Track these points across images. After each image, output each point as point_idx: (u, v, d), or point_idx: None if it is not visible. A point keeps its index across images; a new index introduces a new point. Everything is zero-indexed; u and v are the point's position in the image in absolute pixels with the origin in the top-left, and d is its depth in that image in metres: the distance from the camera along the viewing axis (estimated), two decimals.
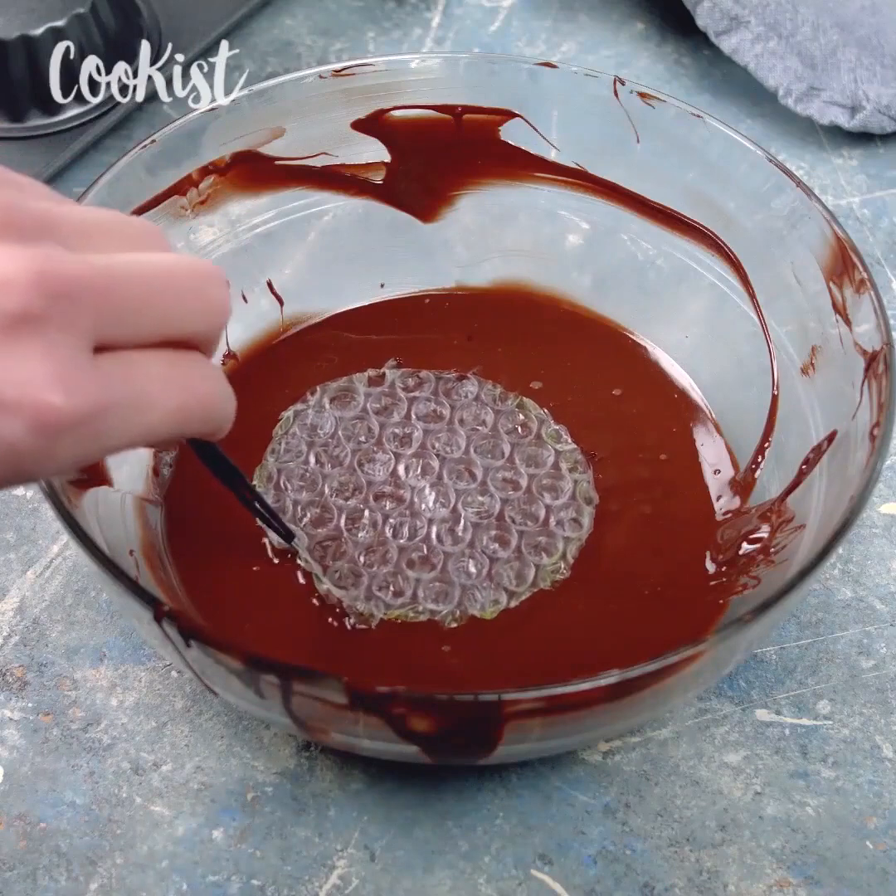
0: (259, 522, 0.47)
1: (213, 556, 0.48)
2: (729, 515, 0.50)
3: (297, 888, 0.43)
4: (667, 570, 0.48)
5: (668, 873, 0.44)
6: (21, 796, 0.45)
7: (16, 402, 0.29)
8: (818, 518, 0.45)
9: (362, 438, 0.51)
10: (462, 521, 0.49)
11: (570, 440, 0.51)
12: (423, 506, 0.49)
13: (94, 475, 0.45)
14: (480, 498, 0.49)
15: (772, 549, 0.47)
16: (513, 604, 0.47)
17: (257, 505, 0.46)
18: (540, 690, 0.37)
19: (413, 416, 0.52)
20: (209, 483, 0.51)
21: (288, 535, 0.47)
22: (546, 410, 0.52)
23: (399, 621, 0.46)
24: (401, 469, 0.50)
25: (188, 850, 0.44)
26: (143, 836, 0.44)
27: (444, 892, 0.44)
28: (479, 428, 0.51)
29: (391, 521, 0.49)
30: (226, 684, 0.40)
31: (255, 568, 0.48)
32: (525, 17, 0.71)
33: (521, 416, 0.52)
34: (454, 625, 0.46)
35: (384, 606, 0.47)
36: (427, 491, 0.49)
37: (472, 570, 0.48)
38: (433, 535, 0.48)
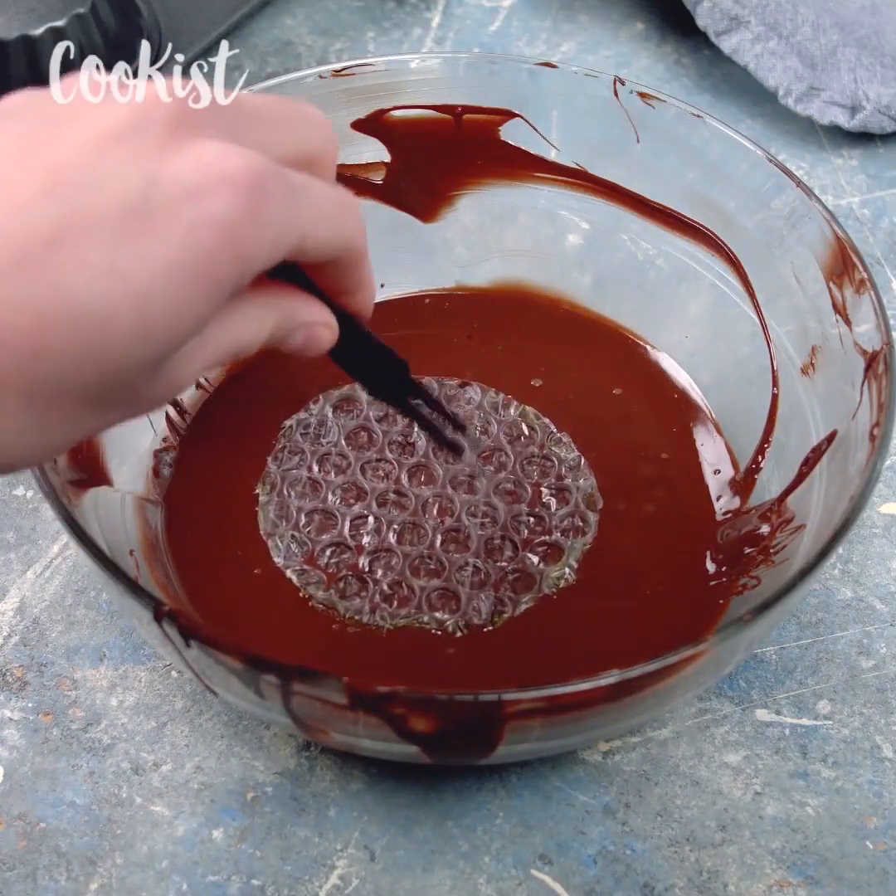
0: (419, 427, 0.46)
1: (213, 556, 0.48)
2: (729, 515, 0.50)
3: (297, 888, 0.43)
4: (667, 570, 0.48)
5: (668, 873, 0.44)
6: (21, 796, 0.45)
7: (207, 180, 0.31)
8: (818, 518, 0.45)
9: (365, 446, 0.51)
10: (466, 530, 0.49)
11: (573, 447, 0.51)
12: (427, 514, 0.49)
13: (94, 475, 0.45)
14: (484, 507, 0.49)
15: (772, 549, 0.47)
16: (517, 612, 0.47)
17: (422, 404, 0.44)
18: (540, 690, 0.37)
19: (415, 424, 0.51)
20: (209, 483, 0.51)
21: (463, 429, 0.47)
22: (548, 419, 0.52)
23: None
24: (404, 477, 0.50)
25: (188, 850, 0.44)
26: (143, 836, 0.44)
27: (444, 892, 0.44)
28: (482, 436, 0.51)
29: (395, 527, 0.49)
30: (226, 684, 0.40)
31: (255, 570, 0.48)
32: (525, 17, 0.71)
33: (524, 425, 0.52)
34: (459, 634, 0.46)
35: (389, 617, 0.47)
36: (430, 499, 0.49)
37: (477, 579, 0.47)
38: (437, 544, 0.48)
